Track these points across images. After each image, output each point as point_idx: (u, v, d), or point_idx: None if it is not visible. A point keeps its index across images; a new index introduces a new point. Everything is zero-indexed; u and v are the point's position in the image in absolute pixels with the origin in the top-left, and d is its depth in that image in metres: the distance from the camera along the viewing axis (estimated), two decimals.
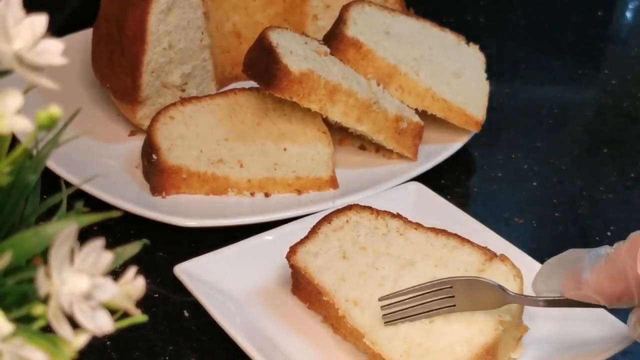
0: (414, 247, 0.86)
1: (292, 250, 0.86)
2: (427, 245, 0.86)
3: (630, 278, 0.70)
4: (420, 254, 0.85)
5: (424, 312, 0.78)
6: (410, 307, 0.78)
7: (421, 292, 0.78)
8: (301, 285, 0.86)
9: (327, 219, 0.89)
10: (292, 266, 0.86)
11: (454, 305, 0.78)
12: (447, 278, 0.79)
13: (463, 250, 0.85)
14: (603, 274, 0.72)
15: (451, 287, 0.78)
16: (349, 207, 0.90)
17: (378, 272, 0.83)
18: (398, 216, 0.89)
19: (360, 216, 0.89)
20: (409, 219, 0.89)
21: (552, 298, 0.76)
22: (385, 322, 0.78)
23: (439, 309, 0.78)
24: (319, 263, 0.85)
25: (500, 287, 0.78)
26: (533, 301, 0.78)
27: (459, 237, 0.87)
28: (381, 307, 0.79)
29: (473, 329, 0.78)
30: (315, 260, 0.85)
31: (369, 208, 0.90)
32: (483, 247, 0.85)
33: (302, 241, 0.87)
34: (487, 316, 0.79)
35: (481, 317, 0.78)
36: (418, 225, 0.88)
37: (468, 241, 0.86)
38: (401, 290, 0.79)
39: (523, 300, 0.78)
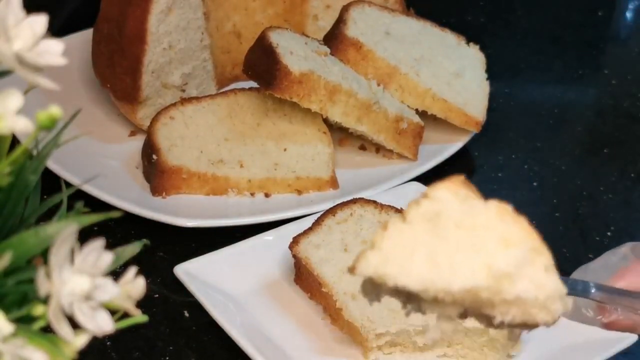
0: None
1: (295, 240, 0.87)
2: None
3: None
4: None
5: None
6: None
7: None
8: (303, 276, 0.87)
9: (331, 211, 0.90)
10: (294, 256, 0.87)
11: None
12: None
13: None
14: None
15: None
16: (354, 201, 0.92)
17: None
18: (401, 211, 0.90)
19: (365, 210, 0.91)
20: None
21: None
22: None
23: None
24: (320, 254, 0.86)
25: None
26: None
27: None
28: None
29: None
30: (317, 252, 0.86)
31: (374, 202, 0.91)
32: None
33: (306, 232, 0.88)
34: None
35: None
36: None
37: None
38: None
39: None
